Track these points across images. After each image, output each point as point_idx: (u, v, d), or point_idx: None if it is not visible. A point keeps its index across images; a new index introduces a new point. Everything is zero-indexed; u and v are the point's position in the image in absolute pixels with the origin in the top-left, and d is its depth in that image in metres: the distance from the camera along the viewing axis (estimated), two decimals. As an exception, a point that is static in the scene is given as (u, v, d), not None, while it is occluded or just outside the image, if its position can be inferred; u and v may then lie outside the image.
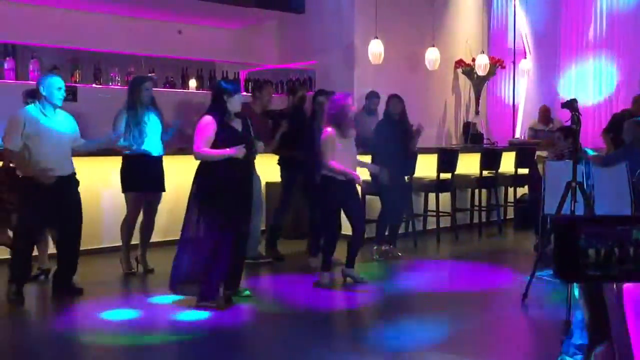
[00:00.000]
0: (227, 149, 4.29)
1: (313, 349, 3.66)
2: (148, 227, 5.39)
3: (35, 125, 4.42)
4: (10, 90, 6.52)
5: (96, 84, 7.63)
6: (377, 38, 7.64)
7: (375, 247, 6.06)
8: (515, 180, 7.86)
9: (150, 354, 3.64)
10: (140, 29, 8.09)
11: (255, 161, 5.50)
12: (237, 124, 4.46)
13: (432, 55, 8.18)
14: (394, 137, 5.91)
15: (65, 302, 4.60)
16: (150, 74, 8.12)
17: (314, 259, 5.60)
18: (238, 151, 4.28)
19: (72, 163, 4.65)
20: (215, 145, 4.32)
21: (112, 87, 7.74)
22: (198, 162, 4.42)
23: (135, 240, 5.44)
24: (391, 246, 6.20)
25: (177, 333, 4.06)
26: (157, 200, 5.35)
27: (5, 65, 7.11)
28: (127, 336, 3.93)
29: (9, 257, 4.71)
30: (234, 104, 4.41)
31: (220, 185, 4.33)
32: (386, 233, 6.20)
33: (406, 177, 6.53)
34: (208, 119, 4.37)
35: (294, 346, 3.73)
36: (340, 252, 5.25)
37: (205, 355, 3.59)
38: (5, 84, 6.73)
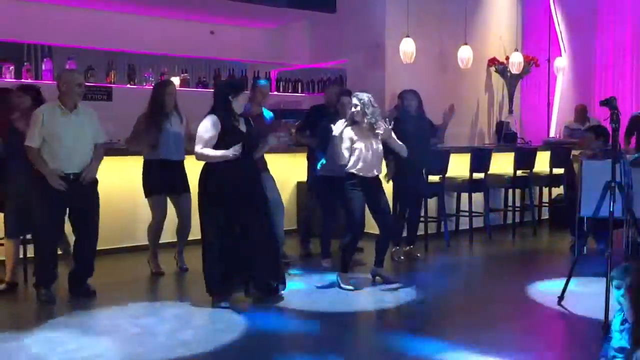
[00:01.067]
0: (223, 151, 4.29)
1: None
2: (182, 228, 5.43)
3: (53, 122, 4.45)
4: (48, 90, 6.65)
5: (130, 85, 7.76)
6: (408, 37, 7.58)
7: (394, 249, 5.96)
8: (551, 180, 7.71)
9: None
10: (174, 30, 8.19)
11: (268, 160, 5.52)
12: (242, 125, 4.48)
13: (464, 54, 8.09)
14: (410, 133, 5.82)
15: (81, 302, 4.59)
16: (183, 74, 8.24)
17: (327, 260, 5.65)
18: (234, 152, 4.27)
19: (85, 162, 4.59)
20: (218, 146, 4.33)
21: (146, 87, 7.84)
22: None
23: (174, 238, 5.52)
24: (411, 246, 6.13)
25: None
26: (185, 201, 5.35)
27: (43, 67, 7.28)
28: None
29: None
30: (239, 104, 4.43)
31: (221, 185, 4.34)
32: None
33: (437, 177, 6.47)
34: (213, 119, 4.36)
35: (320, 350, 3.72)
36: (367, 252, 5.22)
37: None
38: (43, 85, 6.87)
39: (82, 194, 4.55)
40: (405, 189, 5.93)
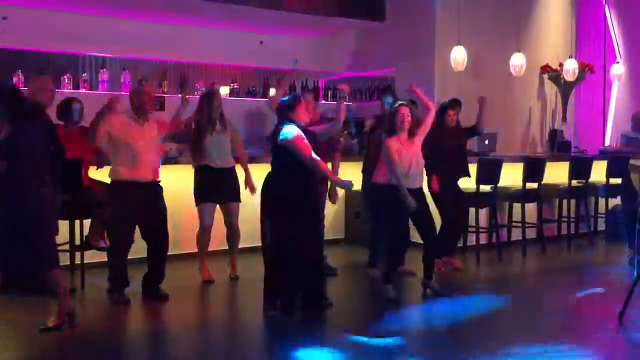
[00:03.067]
0: (336, 177, 4.44)
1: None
2: (230, 236, 5.48)
3: (126, 132, 4.65)
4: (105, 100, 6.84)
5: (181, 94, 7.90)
6: (459, 45, 7.48)
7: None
8: (607, 190, 7.46)
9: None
10: (224, 40, 8.31)
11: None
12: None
13: (517, 61, 7.92)
14: (447, 144, 5.76)
15: (149, 306, 4.73)
16: (232, 84, 8.35)
17: (375, 270, 5.57)
18: (347, 184, 4.31)
19: (156, 170, 4.78)
20: (282, 156, 4.36)
21: (197, 97, 7.95)
22: (267, 171, 4.51)
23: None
24: (448, 257, 5.98)
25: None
26: (233, 210, 5.40)
27: (100, 77, 7.50)
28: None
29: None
30: (300, 117, 4.44)
31: (296, 194, 4.36)
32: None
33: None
34: (296, 129, 4.37)
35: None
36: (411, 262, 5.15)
37: None
38: (100, 95, 7.09)
39: (152, 202, 4.72)
40: (443, 200, 5.83)
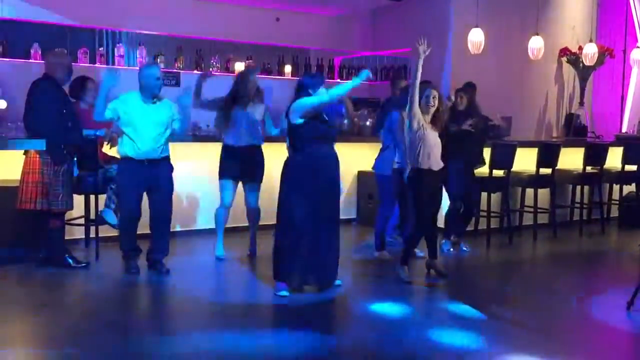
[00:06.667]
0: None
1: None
2: (249, 213, 5.51)
3: (132, 111, 4.72)
4: (122, 75, 6.86)
5: (197, 70, 7.90)
6: (477, 27, 7.40)
7: (444, 241, 5.92)
8: (622, 177, 7.41)
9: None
10: (240, 16, 8.28)
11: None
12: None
13: (535, 44, 7.83)
14: (459, 129, 5.74)
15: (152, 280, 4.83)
16: (248, 61, 8.33)
17: (383, 252, 5.62)
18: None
19: (165, 148, 4.85)
20: (296, 135, 4.41)
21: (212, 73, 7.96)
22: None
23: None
24: (455, 237, 6.02)
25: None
26: (253, 188, 5.42)
27: (116, 52, 7.51)
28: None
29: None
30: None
31: (302, 173, 4.38)
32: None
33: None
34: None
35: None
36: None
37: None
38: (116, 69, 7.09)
39: (158, 177, 4.82)
40: (456, 183, 5.83)
